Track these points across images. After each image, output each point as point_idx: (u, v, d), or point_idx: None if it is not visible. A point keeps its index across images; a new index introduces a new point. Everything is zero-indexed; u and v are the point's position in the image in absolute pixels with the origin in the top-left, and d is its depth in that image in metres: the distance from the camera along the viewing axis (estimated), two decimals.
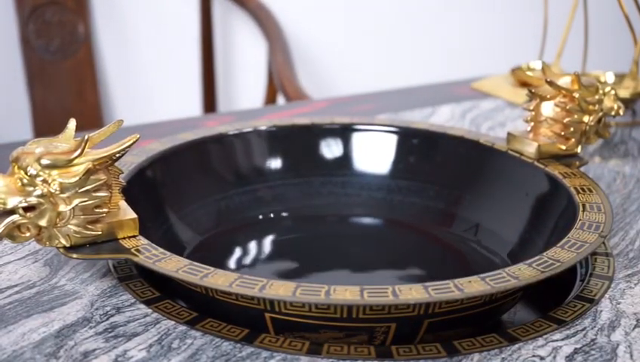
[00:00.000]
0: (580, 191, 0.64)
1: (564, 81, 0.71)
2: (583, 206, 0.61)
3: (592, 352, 0.50)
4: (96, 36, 1.75)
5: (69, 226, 0.52)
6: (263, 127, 0.77)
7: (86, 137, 0.52)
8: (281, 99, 1.69)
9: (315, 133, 0.78)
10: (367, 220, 0.76)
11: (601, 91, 0.72)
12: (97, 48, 1.75)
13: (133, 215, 0.55)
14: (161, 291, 0.56)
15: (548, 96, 0.72)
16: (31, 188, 0.50)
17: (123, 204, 0.56)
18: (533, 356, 0.50)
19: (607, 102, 0.73)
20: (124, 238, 0.54)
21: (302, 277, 0.67)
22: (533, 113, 0.73)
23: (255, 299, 0.49)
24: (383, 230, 0.75)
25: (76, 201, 0.52)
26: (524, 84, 1.13)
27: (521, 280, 0.50)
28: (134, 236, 0.55)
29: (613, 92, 0.74)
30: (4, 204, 0.50)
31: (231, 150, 0.76)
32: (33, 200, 0.50)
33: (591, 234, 0.57)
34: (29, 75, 1.65)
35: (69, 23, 1.68)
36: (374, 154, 0.78)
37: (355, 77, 1.94)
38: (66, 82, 1.69)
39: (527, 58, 1.25)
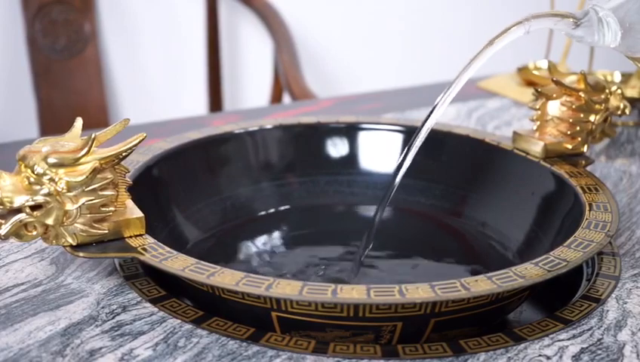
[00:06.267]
0: (587, 190, 0.64)
1: (571, 80, 0.71)
2: (590, 205, 0.61)
3: (599, 352, 0.50)
4: (103, 35, 1.75)
5: (75, 225, 0.52)
6: (269, 126, 0.77)
7: (92, 136, 0.52)
8: (287, 98, 1.69)
9: (321, 132, 0.78)
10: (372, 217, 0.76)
11: (607, 90, 0.72)
12: (103, 47, 1.75)
13: (139, 214, 0.55)
14: (167, 290, 0.56)
15: (554, 96, 0.72)
16: (38, 187, 0.51)
17: (129, 202, 0.56)
18: (540, 355, 0.49)
19: (614, 102, 0.73)
20: (131, 237, 0.54)
21: (309, 272, 0.67)
22: (539, 112, 0.73)
23: (262, 297, 0.49)
24: (388, 227, 0.75)
25: (83, 200, 0.52)
26: (530, 83, 1.13)
27: (527, 280, 0.50)
28: (141, 235, 0.55)
29: (619, 91, 0.74)
30: (11, 202, 0.50)
31: (237, 149, 0.76)
32: (40, 198, 0.50)
33: (597, 233, 0.57)
34: (35, 74, 1.65)
35: (75, 21, 1.68)
36: (380, 153, 0.78)
37: (361, 76, 1.94)
38: (72, 81, 1.69)
39: (533, 57, 1.25)
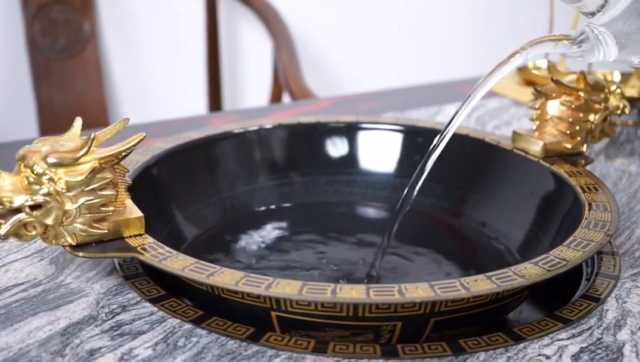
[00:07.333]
0: (586, 189, 0.64)
1: (570, 80, 0.71)
2: (589, 205, 0.61)
3: (598, 351, 0.50)
4: (102, 35, 1.75)
5: (75, 225, 0.52)
6: (269, 126, 0.77)
7: (92, 136, 0.52)
8: (286, 98, 1.69)
9: (321, 131, 0.78)
10: (372, 217, 0.76)
11: (606, 90, 0.72)
12: (103, 47, 1.75)
13: (139, 213, 0.55)
14: (167, 289, 0.56)
15: (554, 95, 0.72)
16: (37, 187, 0.51)
17: (129, 202, 0.56)
18: (539, 355, 0.50)
19: (613, 101, 0.73)
20: (130, 237, 0.54)
21: (309, 270, 0.67)
22: (538, 112, 0.73)
23: (261, 297, 0.49)
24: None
25: (82, 200, 0.52)
26: (530, 82, 1.13)
27: (527, 279, 0.50)
28: (140, 234, 0.55)
29: (619, 90, 0.74)
30: (11, 202, 0.50)
31: (236, 149, 0.76)
32: (39, 198, 0.50)
33: (597, 232, 0.57)
34: (35, 74, 1.66)
35: (75, 21, 1.68)
36: (380, 152, 0.78)
37: (361, 76, 1.94)
38: (71, 81, 1.69)
39: (533, 57, 1.25)
